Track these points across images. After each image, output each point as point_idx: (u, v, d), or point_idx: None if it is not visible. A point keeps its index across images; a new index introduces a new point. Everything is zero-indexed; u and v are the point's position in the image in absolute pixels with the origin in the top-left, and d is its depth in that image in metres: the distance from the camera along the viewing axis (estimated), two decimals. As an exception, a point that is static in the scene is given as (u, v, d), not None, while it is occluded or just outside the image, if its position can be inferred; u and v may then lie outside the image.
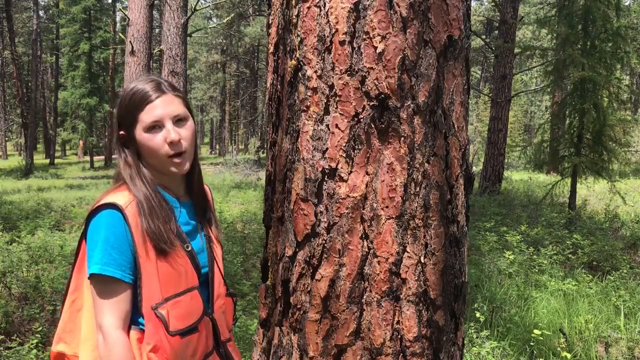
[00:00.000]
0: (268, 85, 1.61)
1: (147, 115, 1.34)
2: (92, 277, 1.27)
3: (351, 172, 1.36)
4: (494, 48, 10.39)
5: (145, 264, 1.31)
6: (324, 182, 1.38)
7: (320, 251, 1.38)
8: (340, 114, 1.35)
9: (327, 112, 1.36)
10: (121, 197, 1.33)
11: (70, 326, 1.38)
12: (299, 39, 1.39)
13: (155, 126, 1.35)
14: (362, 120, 1.34)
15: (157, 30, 27.38)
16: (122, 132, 1.39)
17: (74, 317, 1.37)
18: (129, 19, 9.02)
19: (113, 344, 1.25)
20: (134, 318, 1.32)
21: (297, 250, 1.42)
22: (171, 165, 1.38)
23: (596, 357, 3.76)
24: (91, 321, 1.32)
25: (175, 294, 1.35)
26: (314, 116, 1.38)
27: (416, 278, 1.37)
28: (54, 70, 38.28)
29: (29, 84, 37.58)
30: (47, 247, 5.74)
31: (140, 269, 1.30)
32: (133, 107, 1.35)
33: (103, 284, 1.27)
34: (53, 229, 7.67)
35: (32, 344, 3.44)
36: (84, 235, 1.34)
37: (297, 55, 1.40)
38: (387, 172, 1.35)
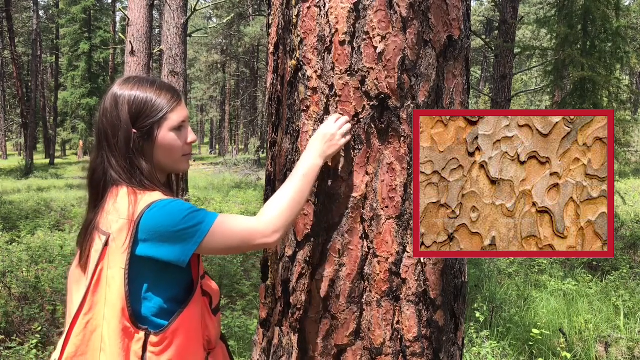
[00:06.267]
0: (268, 85, 1.61)
1: (176, 115, 1.33)
2: (211, 231, 1.23)
3: (351, 172, 1.36)
4: (494, 48, 10.38)
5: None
6: (324, 182, 1.38)
7: (320, 251, 1.38)
8: (340, 114, 1.35)
9: (327, 112, 1.36)
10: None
11: (83, 349, 1.28)
12: (299, 39, 1.39)
13: (181, 127, 1.34)
14: (362, 120, 1.34)
15: (157, 30, 27.38)
16: (134, 131, 1.29)
17: (87, 339, 1.28)
18: (129, 19, 9.01)
19: (269, 221, 1.27)
20: (154, 321, 1.27)
21: (297, 250, 1.42)
22: (184, 164, 1.39)
23: (596, 357, 3.76)
24: (116, 340, 1.24)
25: (202, 274, 1.38)
26: (314, 116, 1.38)
27: (416, 278, 1.37)
28: (54, 70, 38.24)
29: (29, 84, 37.55)
30: (47, 247, 5.75)
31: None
32: (162, 106, 1.32)
33: (219, 226, 1.25)
34: (53, 229, 7.67)
35: (32, 344, 3.44)
36: (132, 239, 1.22)
37: (297, 55, 1.40)
38: (387, 172, 1.35)
